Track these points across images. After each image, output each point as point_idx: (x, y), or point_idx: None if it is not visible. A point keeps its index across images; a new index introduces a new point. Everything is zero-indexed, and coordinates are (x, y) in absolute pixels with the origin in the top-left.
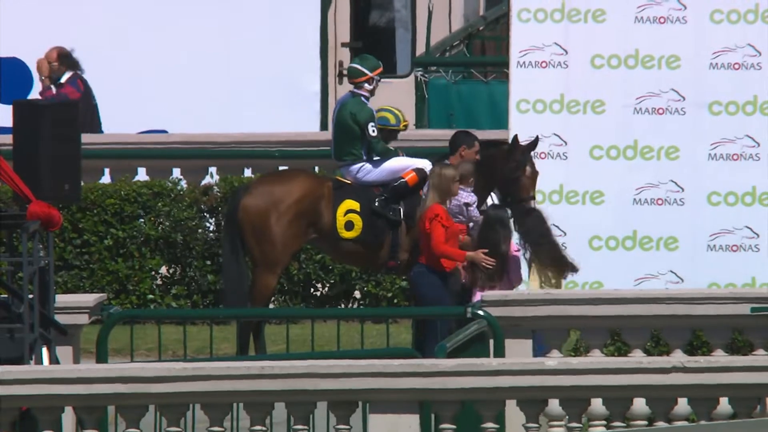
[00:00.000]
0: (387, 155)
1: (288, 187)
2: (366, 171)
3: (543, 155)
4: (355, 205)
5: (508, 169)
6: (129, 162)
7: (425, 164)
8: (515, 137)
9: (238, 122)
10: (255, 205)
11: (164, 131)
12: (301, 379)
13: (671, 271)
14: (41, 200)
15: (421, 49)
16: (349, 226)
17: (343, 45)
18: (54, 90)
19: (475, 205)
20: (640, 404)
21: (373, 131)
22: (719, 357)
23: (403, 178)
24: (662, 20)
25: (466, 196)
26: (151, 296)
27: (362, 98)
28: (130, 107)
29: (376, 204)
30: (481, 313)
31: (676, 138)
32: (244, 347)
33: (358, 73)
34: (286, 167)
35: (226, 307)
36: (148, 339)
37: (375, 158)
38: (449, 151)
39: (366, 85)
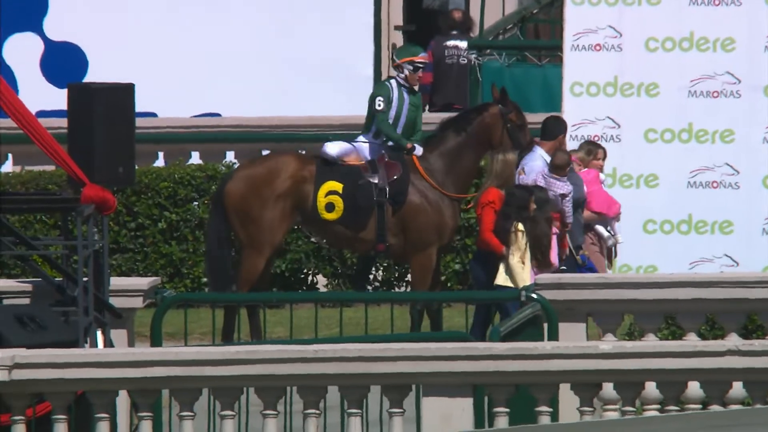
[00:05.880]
0: (387, 131)
1: (269, 170)
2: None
3: (596, 138)
4: (337, 186)
5: (511, 122)
6: (182, 146)
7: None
8: (503, 90)
9: (291, 106)
10: (237, 189)
11: (218, 115)
12: (354, 363)
13: (726, 255)
14: (95, 184)
15: (474, 32)
16: (329, 207)
17: (396, 28)
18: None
19: (570, 196)
20: (694, 388)
21: (379, 105)
22: None
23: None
24: (717, 2)
25: (561, 186)
26: (204, 280)
27: (393, 80)
28: (184, 91)
29: (359, 184)
30: (534, 296)
31: (731, 121)
32: (229, 332)
33: (392, 60)
34: None
35: (211, 291)
36: (201, 323)
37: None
38: (541, 135)
39: (396, 71)
